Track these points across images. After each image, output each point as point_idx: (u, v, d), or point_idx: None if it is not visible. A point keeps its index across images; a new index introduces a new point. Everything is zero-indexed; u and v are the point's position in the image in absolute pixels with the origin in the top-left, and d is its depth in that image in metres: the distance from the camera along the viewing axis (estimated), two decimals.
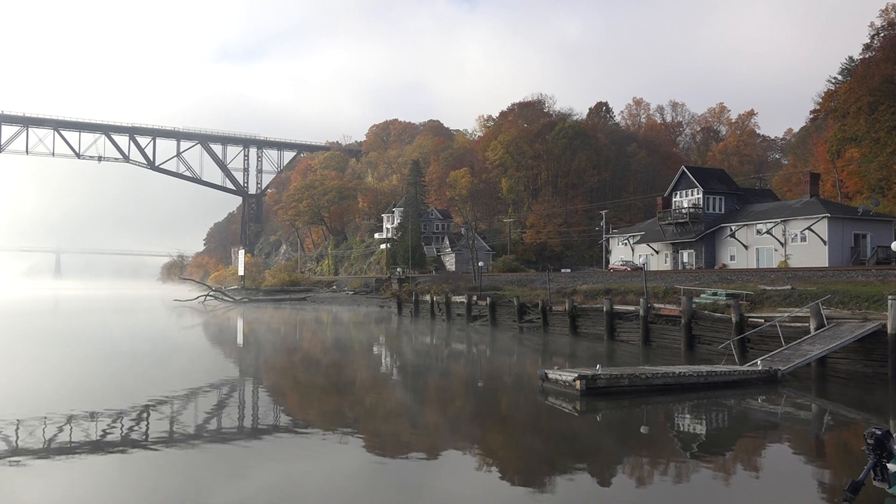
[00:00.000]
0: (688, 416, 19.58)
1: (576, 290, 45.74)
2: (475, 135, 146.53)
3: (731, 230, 54.04)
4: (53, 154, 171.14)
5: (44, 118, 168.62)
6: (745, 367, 23.59)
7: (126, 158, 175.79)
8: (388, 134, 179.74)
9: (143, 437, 15.88)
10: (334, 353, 37.22)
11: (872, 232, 48.26)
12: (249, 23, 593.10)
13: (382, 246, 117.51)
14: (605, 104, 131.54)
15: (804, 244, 48.39)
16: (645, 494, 12.18)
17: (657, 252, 60.46)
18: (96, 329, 53.82)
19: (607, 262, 69.47)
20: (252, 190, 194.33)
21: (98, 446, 14.79)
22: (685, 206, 57.32)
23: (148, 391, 21.94)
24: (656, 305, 35.18)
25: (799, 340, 25.26)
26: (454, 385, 26.20)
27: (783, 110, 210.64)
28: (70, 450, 14.45)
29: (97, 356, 33.61)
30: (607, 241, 71.23)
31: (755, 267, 49.36)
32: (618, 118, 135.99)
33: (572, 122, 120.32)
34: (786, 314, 28.03)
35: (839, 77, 75.62)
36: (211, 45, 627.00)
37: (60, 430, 16.28)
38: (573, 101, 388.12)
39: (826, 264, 44.08)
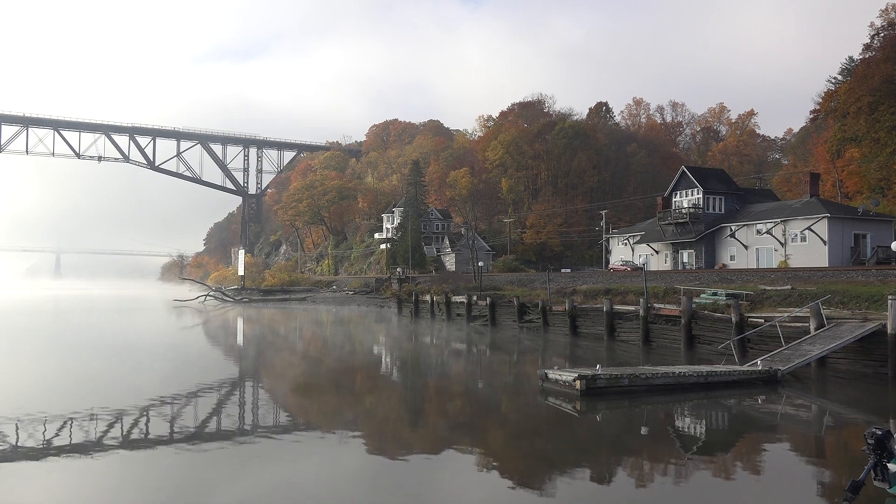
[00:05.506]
0: (688, 416, 19.57)
1: (576, 290, 45.76)
2: (475, 135, 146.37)
3: (731, 230, 54.04)
4: (53, 154, 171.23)
5: (44, 118, 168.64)
6: (745, 367, 23.58)
7: (126, 158, 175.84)
8: (388, 134, 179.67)
9: (144, 436, 15.88)
10: (334, 354, 37.23)
11: (872, 232, 48.27)
12: (249, 23, 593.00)
13: (382, 246, 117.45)
14: (605, 104, 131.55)
15: (804, 244, 48.39)
16: (645, 494, 12.18)
17: (657, 252, 60.47)
18: (96, 329, 53.78)
19: (607, 262, 69.46)
20: (252, 190, 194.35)
21: (98, 446, 14.78)
22: (685, 206, 57.33)
23: (148, 391, 21.95)
24: (656, 305, 35.19)
25: (799, 340, 25.26)
26: (454, 385, 26.20)
27: (783, 110, 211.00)
28: (70, 450, 14.44)
29: (97, 356, 33.61)
30: (607, 241, 71.22)
31: (755, 267, 49.36)
32: (618, 118, 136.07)
33: (572, 122, 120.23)
34: (786, 314, 28.04)
35: (839, 77, 75.57)
36: (210, 45, 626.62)
37: (60, 429, 16.27)
38: (573, 101, 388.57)
39: (826, 264, 44.09)
